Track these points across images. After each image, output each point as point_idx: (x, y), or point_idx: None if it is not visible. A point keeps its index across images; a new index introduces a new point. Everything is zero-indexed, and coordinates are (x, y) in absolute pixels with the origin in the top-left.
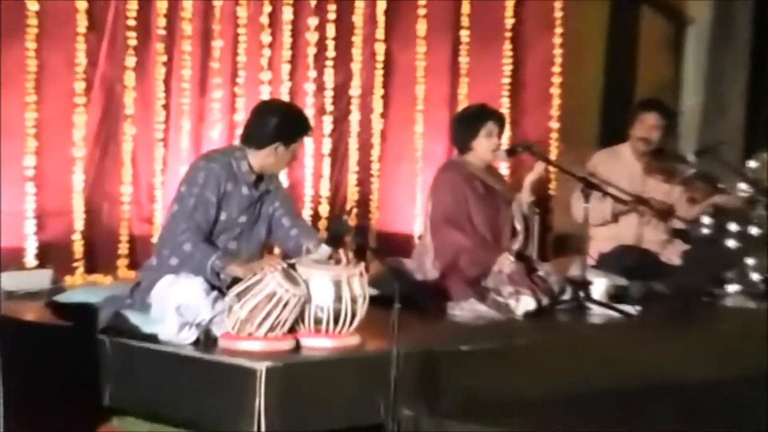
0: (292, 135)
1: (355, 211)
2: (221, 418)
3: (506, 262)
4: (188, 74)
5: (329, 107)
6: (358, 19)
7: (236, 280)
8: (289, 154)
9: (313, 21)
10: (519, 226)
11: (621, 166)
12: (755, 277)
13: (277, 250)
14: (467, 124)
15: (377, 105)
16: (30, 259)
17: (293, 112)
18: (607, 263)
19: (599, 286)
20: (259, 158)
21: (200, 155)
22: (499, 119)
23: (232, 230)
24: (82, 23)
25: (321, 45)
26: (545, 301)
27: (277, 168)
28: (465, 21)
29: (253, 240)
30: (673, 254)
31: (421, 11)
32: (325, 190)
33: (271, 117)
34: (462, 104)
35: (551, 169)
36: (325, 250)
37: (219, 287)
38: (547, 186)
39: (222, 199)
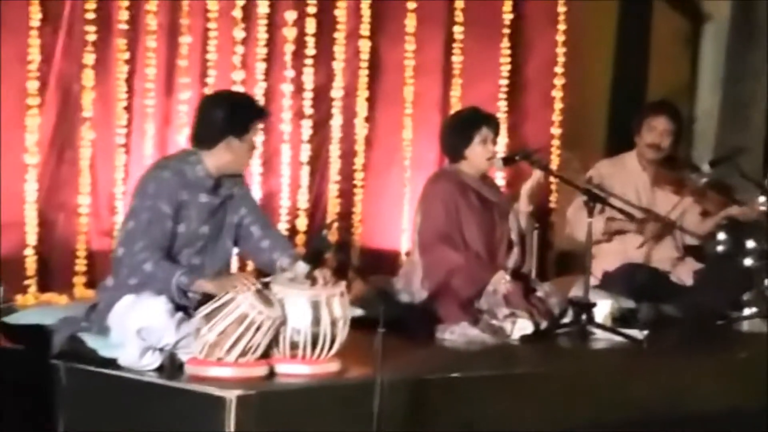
0: (243, 124)
1: (336, 225)
2: None
3: (502, 282)
4: (153, 73)
5: (309, 110)
6: (340, 13)
7: (205, 300)
8: (246, 146)
9: (291, 15)
10: (515, 239)
11: (627, 176)
12: None
13: (251, 265)
14: (460, 130)
15: (361, 108)
16: None
17: (238, 98)
18: (612, 283)
19: (603, 308)
20: (213, 159)
21: (151, 164)
22: (495, 124)
23: (194, 243)
24: (35, 15)
25: (300, 41)
26: (544, 324)
27: (237, 165)
28: (459, 16)
29: (218, 253)
30: (684, 273)
31: (411, 5)
32: (303, 201)
33: (215, 110)
34: (455, 107)
35: (552, 179)
36: (302, 267)
37: (185, 307)
38: (548, 198)
39: (179, 210)
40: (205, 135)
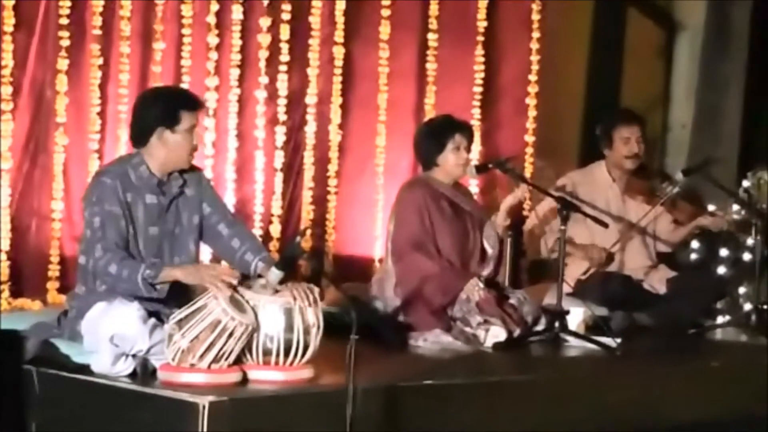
0: (171, 114)
1: (310, 231)
2: None
3: (475, 289)
4: (126, 78)
5: (282, 117)
6: (315, 19)
7: (175, 303)
8: (181, 137)
9: (265, 21)
10: (491, 250)
11: (597, 187)
12: (747, 307)
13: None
14: (432, 137)
15: (335, 115)
16: None
17: (165, 90)
18: (585, 291)
19: (576, 316)
20: (152, 156)
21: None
22: (468, 131)
23: (149, 246)
24: (9, 20)
25: (274, 48)
26: (517, 331)
27: (176, 158)
28: (433, 23)
29: (179, 255)
30: (657, 281)
31: (385, 12)
32: (277, 208)
33: (143, 106)
34: (429, 114)
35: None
36: (275, 274)
37: (157, 314)
38: (521, 206)
39: (126, 212)
40: (138, 132)
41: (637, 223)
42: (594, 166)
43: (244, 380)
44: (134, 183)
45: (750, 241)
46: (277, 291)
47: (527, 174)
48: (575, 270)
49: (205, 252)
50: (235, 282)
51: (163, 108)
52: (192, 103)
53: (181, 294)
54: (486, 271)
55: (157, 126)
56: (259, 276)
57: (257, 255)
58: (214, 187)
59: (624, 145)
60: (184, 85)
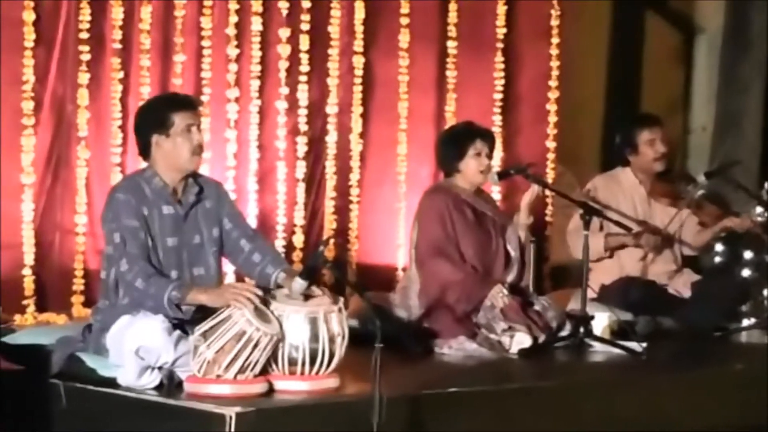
0: (161, 119)
1: (332, 241)
2: None
3: (499, 296)
4: (147, 92)
5: (303, 127)
6: (334, 29)
7: (201, 316)
8: (179, 140)
9: (284, 32)
10: (514, 253)
11: (623, 191)
12: None
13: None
14: (453, 144)
15: (356, 124)
16: None
17: (155, 98)
18: (609, 296)
19: (601, 321)
20: (159, 165)
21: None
22: (489, 137)
23: (168, 257)
24: (29, 36)
25: (294, 58)
26: (542, 338)
27: (179, 163)
28: (452, 31)
29: (198, 266)
30: (682, 286)
31: (404, 20)
32: (299, 218)
33: (137, 120)
34: (449, 122)
35: (548, 193)
36: (299, 284)
37: (182, 325)
38: (544, 212)
39: (143, 224)
40: (141, 146)
41: (665, 228)
42: (618, 170)
43: (270, 391)
44: (148, 196)
45: None
46: (302, 300)
47: (548, 180)
48: (600, 275)
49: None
50: (257, 300)
51: (153, 116)
52: (180, 103)
53: (205, 305)
54: (510, 277)
55: (151, 135)
56: (280, 287)
57: (278, 267)
58: (233, 201)
59: (650, 148)
60: (205, 98)
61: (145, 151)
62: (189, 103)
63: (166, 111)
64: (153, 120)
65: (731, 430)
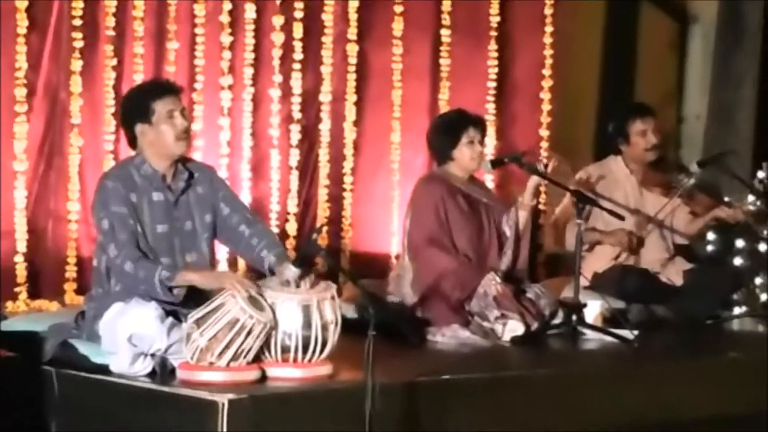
0: (141, 107)
1: (326, 229)
2: None
3: (492, 284)
4: (140, 79)
5: (297, 115)
6: (327, 17)
7: (194, 302)
8: (163, 126)
9: (278, 20)
10: (509, 233)
11: (614, 180)
12: (764, 297)
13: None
14: (446, 132)
15: (350, 112)
16: None
17: (136, 86)
18: (602, 284)
19: (594, 309)
20: (146, 153)
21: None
22: (481, 124)
23: (159, 244)
24: (22, 23)
25: (287, 46)
26: (535, 325)
27: (166, 149)
28: (446, 19)
29: (191, 252)
30: (674, 274)
31: (398, 9)
32: (293, 206)
33: (121, 110)
34: (443, 111)
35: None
36: (292, 271)
37: (175, 313)
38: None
39: (132, 211)
40: (126, 133)
41: (656, 216)
42: (610, 159)
43: (263, 378)
44: (138, 183)
45: (766, 232)
46: (295, 288)
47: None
48: (592, 263)
49: (220, 253)
50: (253, 291)
51: (133, 105)
52: (159, 90)
53: (198, 293)
54: (505, 261)
55: (134, 124)
56: (272, 272)
57: (272, 250)
58: (228, 185)
59: (642, 138)
60: (198, 85)
61: (131, 140)
62: (168, 89)
63: (146, 100)
64: (134, 110)
65: (724, 418)
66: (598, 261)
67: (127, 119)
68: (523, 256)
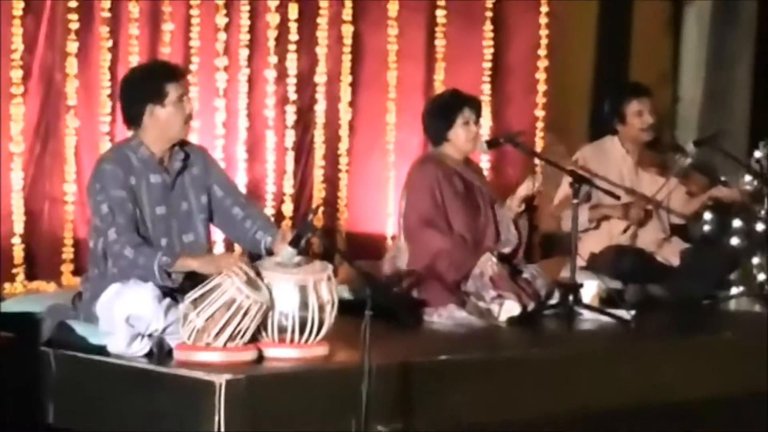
0: (157, 88)
1: (321, 210)
2: None
3: (488, 264)
4: (136, 60)
5: (292, 96)
6: None
7: (191, 283)
8: (172, 111)
9: (273, 1)
10: (504, 235)
11: (610, 160)
12: (761, 277)
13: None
14: (441, 113)
15: (345, 93)
16: None
17: (146, 66)
18: (598, 265)
19: (590, 289)
20: (148, 135)
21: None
22: (476, 105)
23: (157, 226)
24: (17, 5)
25: (282, 27)
26: (531, 306)
27: (171, 133)
28: (441, 0)
29: (188, 233)
30: (670, 254)
31: None
32: (288, 187)
33: (129, 86)
34: (438, 92)
35: (537, 162)
36: (288, 252)
37: (172, 293)
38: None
39: (131, 195)
40: (130, 113)
41: (653, 196)
42: (606, 140)
43: (260, 358)
44: (136, 165)
45: (762, 212)
46: (291, 268)
47: (537, 148)
48: (589, 244)
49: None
50: (251, 273)
51: (148, 85)
52: (173, 73)
53: (195, 273)
54: (507, 249)
55: (146, 104)
56: (269, 253)
57: (267, 232)
58: (221, 167)
59: (638, 118)
60: (193, 67)
61: (134, 120)
62: (180, 73)
63: (162, 81)
64: (148, 90)
65: (720, 398)
66: (594, 241)
67: (137, 99)
68: (521, 246)
